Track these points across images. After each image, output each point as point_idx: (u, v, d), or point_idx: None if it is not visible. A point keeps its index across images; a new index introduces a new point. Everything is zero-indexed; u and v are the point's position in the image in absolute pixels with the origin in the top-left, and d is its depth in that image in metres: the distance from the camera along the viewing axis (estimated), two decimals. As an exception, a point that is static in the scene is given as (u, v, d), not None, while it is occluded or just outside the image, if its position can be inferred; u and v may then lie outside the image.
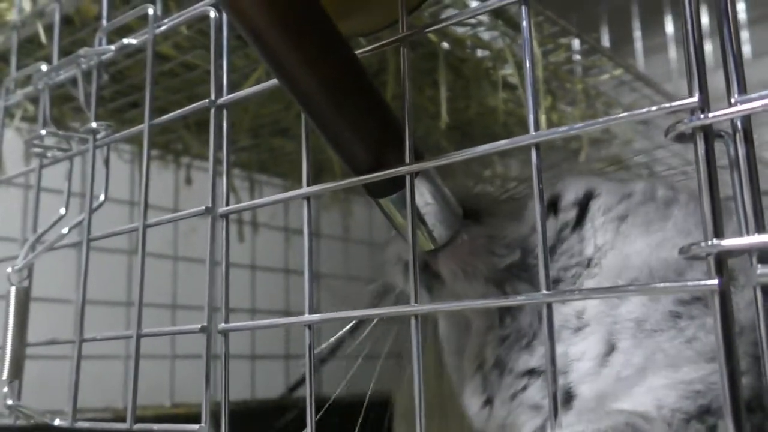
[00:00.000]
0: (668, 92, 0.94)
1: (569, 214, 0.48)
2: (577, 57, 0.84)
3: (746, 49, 1.18)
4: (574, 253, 0.47)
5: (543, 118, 0.74)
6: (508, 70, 0.76)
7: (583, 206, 0.48)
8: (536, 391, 0.45)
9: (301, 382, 1.21)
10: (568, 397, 0.42)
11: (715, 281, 0.27)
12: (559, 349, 0.42)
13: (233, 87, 0.47)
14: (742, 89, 0.28)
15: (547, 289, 0.32)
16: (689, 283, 0.27)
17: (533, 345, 0.46)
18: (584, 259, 0.46)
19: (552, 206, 0.49)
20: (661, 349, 0.39)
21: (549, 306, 0.32)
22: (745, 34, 1.21)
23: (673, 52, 1.24)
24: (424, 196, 0.42)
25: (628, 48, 1.27)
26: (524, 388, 0.45)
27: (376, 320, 0.54)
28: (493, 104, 0.78)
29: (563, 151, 0.98)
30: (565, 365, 0.42)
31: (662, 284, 0.28)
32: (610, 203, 0.48)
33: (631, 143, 0.95)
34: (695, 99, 0.28)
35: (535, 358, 0.45)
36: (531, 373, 0.45)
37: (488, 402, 0.48)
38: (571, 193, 0.49)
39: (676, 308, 0.40)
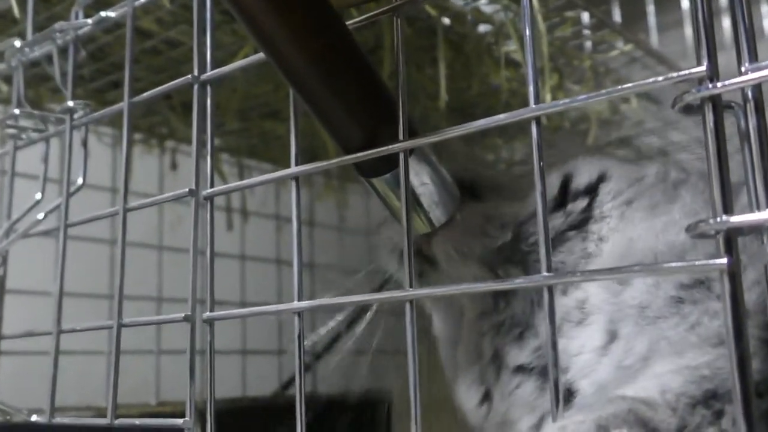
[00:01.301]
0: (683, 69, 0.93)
1: (578, 205, 0.48)
2: (586, 32, 0.83)
3: (765, 24, 1.17)
4: (576, 251, 0.47)
5: (548, 97, 0.74)
6: (512, 47, 0.76)
7: (594, 192, 0.49)
8: (530, 390, 0.46)
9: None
10: (568, 395, 0.42)
11: (724, 260, 0.27)
12: (560, 344, 0.43)
13: (220, 65, 0.47)
14: (753, 57, 0.28)
15: (548, 270, 0.32)
16: (697, 263, 0.28)
17: (525, 337, 0.47)
18: (585, 256, 0.47)
19: (562, 190, 0.49)
20: (664, 337, 0.39)
21: (550, 289, 0.32)
22: (765, 8, 1.20)
23: (688, 29, 1.23)
24: (419, 176, 0.42)
25: (641, 24, 1.26)
26: (518, 386, 0.46)
27: (373, 312, 0.55)
28: (496, 83, 0.78)
29: (570, 133, 0.98)
30: (564, 362, 0.43)
31: (668, 264, 0.28)
32: (621, 187, 0.48)
33: (642, 124, 0.95)
34: (703, 68, 0.28)
35: (525, 353, 0.46)
36: (522, 370, 0.46)
37: (487, 396, 0.48)
38: (583, 175, 0.50)
39: (679, 293, 0.40)
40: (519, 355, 0.46)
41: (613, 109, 0.95)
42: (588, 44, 0.86)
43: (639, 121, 0.99)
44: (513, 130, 0.98)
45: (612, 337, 0.42)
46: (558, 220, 0.48)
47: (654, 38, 1.27)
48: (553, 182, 0.50)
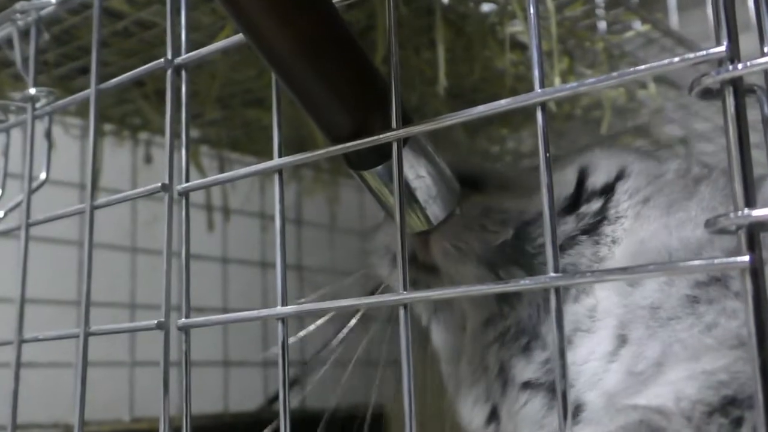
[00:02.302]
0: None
1: (592, 206, 0.49)
2: (599, 11, 0.83)
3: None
4: (587, 256, 0.47)
5: (557, 82, 0.74)
6: (517, 27, 0.76)
7: (611, 191, 0.49)
8: (538, 407, 0.46)
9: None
10: (576, 409, 0.43)
11: (746, 258, 0.27)
12: (569, 356, 0.43)
13: (197, 47, 0.47)
14: (778, 36, 0.28)
15: (555, 270, 0.32)
16: (716, 261, 0.27)
17: (532, 347, 0.47)
18: (596, 260, 0.47)
19: (578, 188, 0.49)
20: (678, 340, 0.39)
21: (557, 291, 0.32)
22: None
23: (711, 8, 1.23)
24: (414, 168, 0.42)
25: (659, 2, 1.26)
26: (525, 403, 0.46)
27: (361, 320, 0.55)
28: (500, 67, 0.78)
29: (583, 122, 0.98)
30: (570, 374, 0.43)
31: (685, 263, 0.28)
32: (639, 185, 0.49)
33: (662, 111, 0.95)
34: (723, 48, 0.28)
35: (533, 367, 0.46)
36: (529, 386, 0.46)
37: (494, 414, 0.49)
38: (601, 172, 0.50)
39: (693, 292, 0.40)
40: (526, 369, 0.47)
41: (629, 95, 0.95)
42: (601, 24, 0.86)
43: (658, 108, 0.99)
44: (519, 119, 0.97)
45: (622, 341, 0.42)
46: (569, 225, 0.49)
47: (674, 18, 1.27)
48: (569, 179, 0.50)
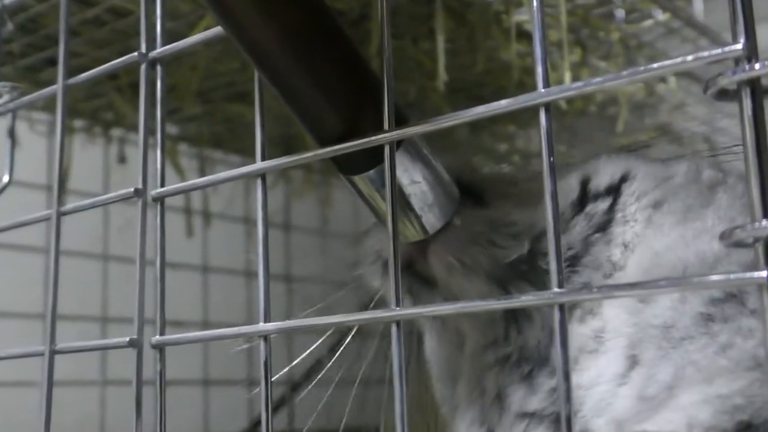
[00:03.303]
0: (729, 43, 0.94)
1: (599, 206, 0.49)
2: (614, -2, 0.84)
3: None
4: (602, 262, 0.48)
5: (567, 77, 0.74)
6: (524, 15, 0.77)
7: (616, 192, 0.49)
8: None
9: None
10: None
11: (764, 273, 0.27)
12: (574, 379, 0.43)
13: (175, 38, 0.48)
14: (799, 33, 0.29)
15: (560, 285, 0.32)
16: (731, 276, 0.28)
17: (536, 377, 0.47)
18: (610, 268, 0.47)
19: (582, 193, 0.50)
20: (691, 362, 0.40)
21: (562, 308, 0.32)
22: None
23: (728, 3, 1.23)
24: (409, 173, 0.42)
25: (682, -12, 1.27)
26: None
27: (355, 334, 0.55)
28: (506, 59, 0.78)
29: (598, 118, 0.99)
30: (577, 400, 0.43)
31: (700, 278, 0.29)
32: (646, 187, 0.49)
33: (683, 107, 0.96)
34: (739, 46, 0.28)
35: (537, 399, 0.46)
36: (531, 416, 0.46)
37: None
38: (604, 175, 0.50)
39: (707, 309, 0.41)
40: (528, 399, 0.47)
41: (648, 90, 0.95)
42: (618, 13, 0.86)
43: (679, 104, 0.99)
44: (528, 115, 0.98)
45: (632, 363, 0.43)
46: (580, 225, 0.49)
47: (698, 6, 1.27)
48: (572, 185, 0.50)
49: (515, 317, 0.49)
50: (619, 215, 0.49)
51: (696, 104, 1.02)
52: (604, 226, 0.49)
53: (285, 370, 0.59)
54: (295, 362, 0.60)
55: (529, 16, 0.74)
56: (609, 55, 0.87)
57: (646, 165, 0.51)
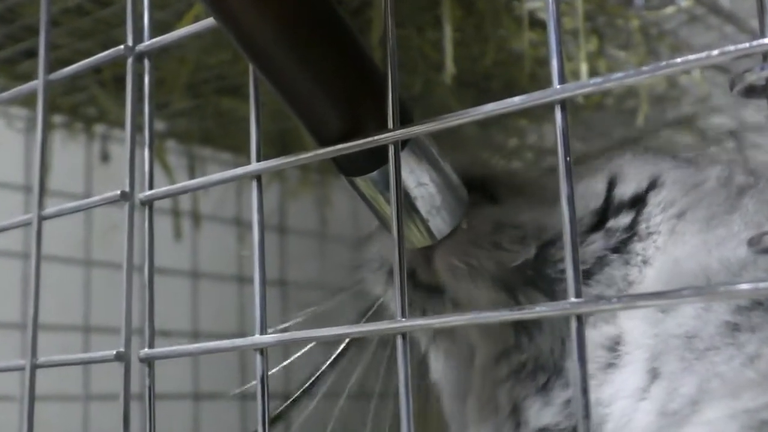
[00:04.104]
0: (756, 31, 0.94)
1: (621, 221, 0.49)
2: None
3: None
4: (617, 280, 0.48)
5: (583, 68, 0.74)
6: (537, 2, 0.77)
7: (642, 202, 0.50)
8: None
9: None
10: None
11: (795, 282, 0.27)
12: (592, 395, 0.43)
13: (162, 29, 0.48)
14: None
15: (577, 295, 0.32)
16: (761, 285, 0.28)
17: (551, 388, 0.47)
18: (625, 286, 0.48)
19: (605, 203, 0.50)
20: (716, 374, 0.40)
21: (579, 319, 0.32)
22: None
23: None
24: (415, 174, 0.43)
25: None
26: None
27: (352, 343, 0.55)
28: (518, 49, 0.78)
29: (616, 112, 0.99)
30: (595, 417, 0.43)
31: (724, 287, 0.29)
32: (674, 197, 0.49)
33: (708, 100, 0.96)
34: (767, 40, 0.29)
35: (552, 411, 0.47)
36: (544, 431, 0.47)
37: None
38: (630, 181, 0.50)
39: (733, 318, 0.41)
40: (544, 411, 0.47)
41: (669, 82, 0.96)
42: (637, -1, 0.87)
43: (703, 96, 0.99)
44: (541, 109, 0.98)
45: (653, 376, 0.43)
46: (598, 244, 0.49)
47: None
48: (598, 189, 0.51)
49: (524, 324, 0.49)
50: (642, 227, 0.49)
51: (721, 96, 1.02)
52: (624, 244, 0.49)
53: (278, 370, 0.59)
54: (290, 361, 0.60)
55: (542, 2, 0.75)
56: (628, 45, 0.87)
57: (676, 169, 0.51)
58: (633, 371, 0.44)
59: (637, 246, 0.48)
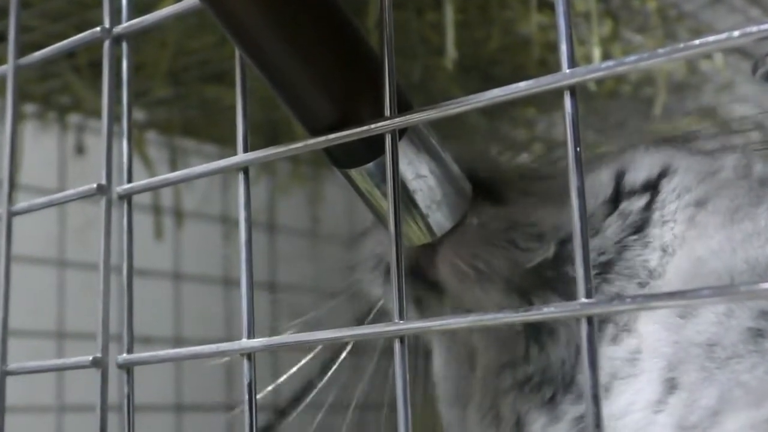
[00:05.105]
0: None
1: (635, 204, 0.49)
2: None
3: None
4: (637, 269, 0.48)
5: (596, 53, 0.74)
6: (546, -17, 0.77)
7: (654, 189, 0.50)
8: None
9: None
10: None
11: (822, 281, 0.27)
12: (605, 408, 0.44)
13: (142, 10, 0.48)
14: None
15: (588, 295, 0.32)
16: (785, 285, 0.28)
17: (559, 402, 0.47)
18: (646, 276, 0.48)
19: (616, 190, 0.50)
20: (738, 383, 0.40)
21: (590, 321, 0.33)
22: None
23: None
24: (413, 165, 0.43)
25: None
26: None
27: (350, 350, 0.55)
28: (525, 32, 0.78)
29: (632, 100, 0.99)
30: (607, 429, 0.43)
31: (747, 287, 0.29)
32: (688, 183, 0.49)
33: (731, 87, 0.96)
34: (792, 21, 0.29)
35: (562, 426, 0.46)
36: None
37: None
38: (641, 169, 0.51)
39: (757, 324, 0.41)
40: (551, 428, 0.47)
41: (689, 68, 0.96)
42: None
43: (726, 83, 1.00)
44: (551, 98, 0.98)
45: (671, 387, 0.43)
46: (614, 227, 0.49)
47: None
48: (605, 180, 0.51)
49: (537, 332, 0.49)
50: (656, 215, 0.49)
51: (744, 83, 1.02)
52: (641, 226, 0.49)
53: (269, 388, 0.59)
54: (281, 380, 0.60)
55: (551, -18, 0.75)
56: (645, 28, 0.87)
57: (688, 158, 0.51)
58: (649, 381, 0.44)
59: (654, 231, 0.48)
